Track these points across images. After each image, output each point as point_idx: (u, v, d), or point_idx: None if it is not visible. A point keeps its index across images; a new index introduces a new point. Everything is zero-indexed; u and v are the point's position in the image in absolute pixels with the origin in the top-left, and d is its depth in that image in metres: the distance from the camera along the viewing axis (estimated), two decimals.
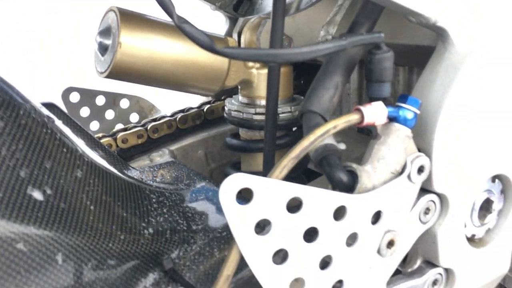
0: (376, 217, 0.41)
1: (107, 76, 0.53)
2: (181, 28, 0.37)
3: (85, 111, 0.76)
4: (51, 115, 0.46)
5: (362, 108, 0.40)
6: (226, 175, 0.61)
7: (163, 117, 0.74)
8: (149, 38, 0.53)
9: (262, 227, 0.37)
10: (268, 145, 0.50)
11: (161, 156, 0.71)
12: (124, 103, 0.79)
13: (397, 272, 0.48)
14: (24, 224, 0.36)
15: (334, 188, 0.41)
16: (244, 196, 0.35)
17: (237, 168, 0.67)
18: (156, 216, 0.48)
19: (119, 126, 0.79)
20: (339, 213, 0.39)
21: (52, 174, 0.41)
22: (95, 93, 0.76)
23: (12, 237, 0.35)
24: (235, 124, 0.63)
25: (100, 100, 0.77)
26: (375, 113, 0.40)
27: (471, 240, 0.52)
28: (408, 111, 0.42)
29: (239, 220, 0.35)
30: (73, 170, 0.43)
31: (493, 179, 0.51)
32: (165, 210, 0.50)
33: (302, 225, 0.37)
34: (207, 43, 0.36)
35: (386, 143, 0.41)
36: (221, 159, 0.76)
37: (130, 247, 0.43)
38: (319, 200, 0.37)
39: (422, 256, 0.50)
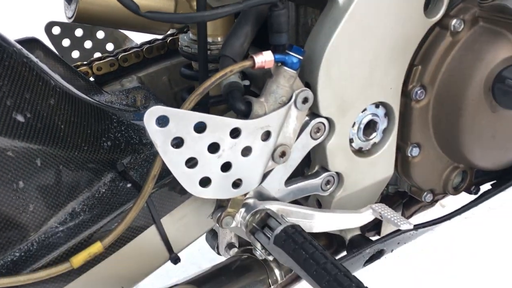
0: (267, 135, 0.56)
1: (74, 21, 0.66)
2: None
3: (66, 42, 0.89)
4: (30, 55, 0.60)
5: (254, 55, 0.53)
6: (182, 98, 0.76)
7: (132, 47, 0.87)
8: None
9: (178, 143, 0.52)
10: (201, 78, 0.64)
11: (130, 82, 0.85)
12: (100, 34, 0.92)
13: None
14: (11, 138, 0.52)
15: (238, 115, 0.56)
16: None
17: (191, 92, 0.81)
18: (115, 133, 0.64)
19: (97, 54, 0.92)
20: (235, 132, 0.54)
21: (31, 102, 0.56)
22: (74, 26, 0.89)
23: (3, 147, 0.51)
24: (185, 57, 0.76)
25: (79, 32, 0.90)
26: (264, 59, 0.53)
27: (359, 151, 0.68)
28: (293, 57, 0.55)
29: (159, 138, 0.50)
30: (48, 98, 0.58)
31: (377, 105, 0.66)
32: (122, 128, 0.65)
33: (206, 141, 0.52)
34: (133, 7, 0.49)
35: (276, 81, 0.56)
36: (182, 84, 0.90)
37: (93, 155, 0.59)
38: (218, 123, 0.52)
39: (318, 163, 0.67)
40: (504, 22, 0.63)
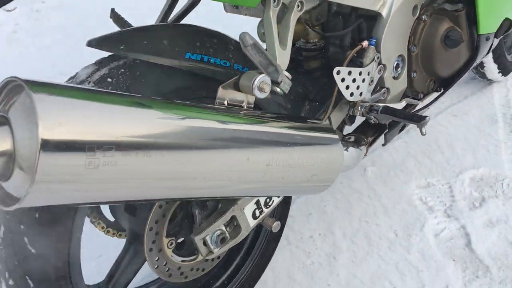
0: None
1: None
2: None
3: None
4: None
5: (362, 43, 1.39)
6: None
7: None
8: None
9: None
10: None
11: None
12: None
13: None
14: None
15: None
16: None
17: None
18: None
19: None
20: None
21: None
22: None
23: None
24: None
25: None
26: (366, 43, 1.39)
27: (394, 78, 1.56)
28: (372, 41, 1.41)
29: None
30: None
31: (398, 56, 1.54)
32: None
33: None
34: None
35: (368, 50, 1.42)
36: None
37: None
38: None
39: (380, 85, 1.53)
40: (444, 14, 1.54)
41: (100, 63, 1.09)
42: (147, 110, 0.73)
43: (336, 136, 1.13)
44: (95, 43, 1.04)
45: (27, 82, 0.62)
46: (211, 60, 1.14)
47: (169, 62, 1.08)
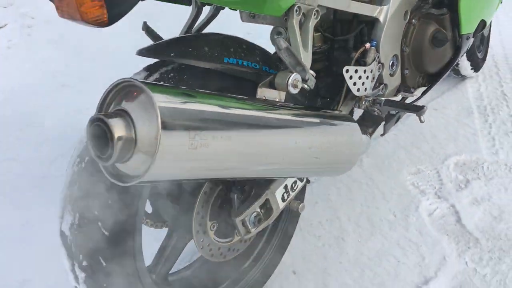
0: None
1: None
2: None
3: None
4: None
5: (365, 45, 1.59)
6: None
7: None
8: None
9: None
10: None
11: None
12: None
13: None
14: None
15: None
16: None
17: None
18: None
19: None
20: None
21: None
22: None
23: None
24: None
25: None
26: (368, 45, 1.59)
27: (389, 75, 1.76)
28: (373, 43, 1.62)
29: None
30: None
31: (393, 56, 1.75)
32: None
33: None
34: None
35: (370, 51, 1.62)
36: None
37: None
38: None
39: (379, 81, 1.74)
40: (431, 18, 1.76)
41: (149, 69, 1.24)
42: (227, 104, 0.90)
43: (356, 124, 1.32)
44: (145, 52, 1.20)
45: (142, 82, 0.78)
46: (244, 63, 1.31)
47: (210, 66, 1.25)
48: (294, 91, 1.21)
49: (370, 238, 1.92)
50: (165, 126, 0.75)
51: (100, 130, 0.76)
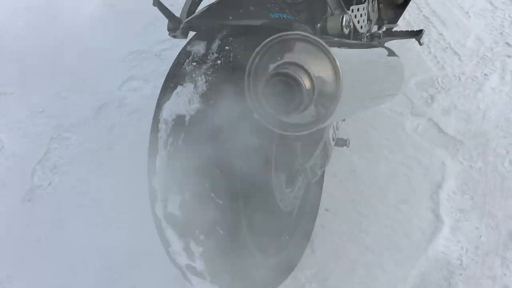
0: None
1: None
2: None
3: None
4: None
5: None
6: None
7: None
8: None
9: None
10: None
11: None
12: None
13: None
14: None
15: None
16: None
17: None
18: None
19: None
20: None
21: None
22: None
23: None
24: None
25: None
26: None
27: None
28: None
29: None
30: None
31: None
32: None
33: None
34: None
35: None
36: None
37: None
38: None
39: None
40: None
41: (204, 37, 1.24)
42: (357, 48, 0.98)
43: (397, 54, 1.44)
44: (196, 21, 1.20)
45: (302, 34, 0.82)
46: (285, 16, 1.35)
47: (261, 23, 1.28)
48: (346, 31, 1.29)
49: (377, 164, 2.10)
50: (343, 80, 0.80)
51: (283, 85, 0.78)
